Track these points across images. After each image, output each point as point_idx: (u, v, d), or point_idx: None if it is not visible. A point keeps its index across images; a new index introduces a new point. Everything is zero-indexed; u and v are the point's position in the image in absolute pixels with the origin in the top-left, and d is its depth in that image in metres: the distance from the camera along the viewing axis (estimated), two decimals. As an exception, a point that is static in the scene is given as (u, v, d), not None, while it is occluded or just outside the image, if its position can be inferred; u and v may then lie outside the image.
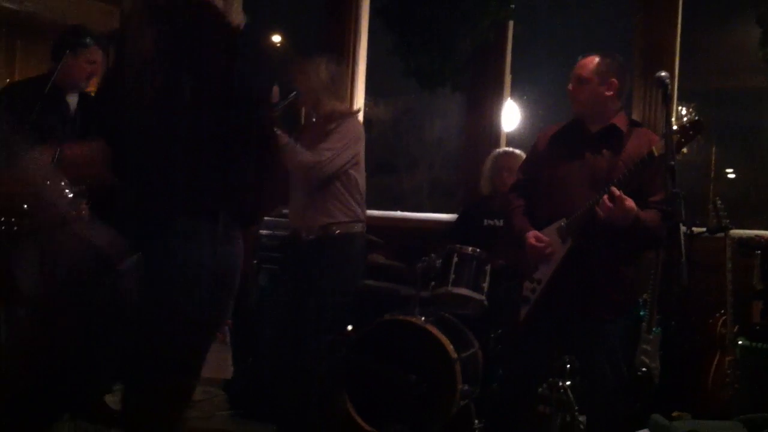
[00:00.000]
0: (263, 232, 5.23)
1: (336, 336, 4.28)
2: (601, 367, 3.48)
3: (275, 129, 4.03)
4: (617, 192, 3.25)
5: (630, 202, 3.25)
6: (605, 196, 3.27)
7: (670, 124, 3.29)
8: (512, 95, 6.26)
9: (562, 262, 3.50)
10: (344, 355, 4.66)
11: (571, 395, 3.59)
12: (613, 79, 3.53)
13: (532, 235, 3.56)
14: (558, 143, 3.66)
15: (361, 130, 4.34)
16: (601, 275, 3.48)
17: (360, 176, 4.30)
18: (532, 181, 3.74)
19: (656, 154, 3.25)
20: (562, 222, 3.50)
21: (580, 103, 3.58)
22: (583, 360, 3.32)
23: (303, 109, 4.49)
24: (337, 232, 4.18)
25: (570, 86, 3.59)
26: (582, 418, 3.20)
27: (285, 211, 4.58)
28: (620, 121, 3.56)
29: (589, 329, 3.50)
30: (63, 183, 3.29)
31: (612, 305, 3.51)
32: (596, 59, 3.52)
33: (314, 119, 4.37)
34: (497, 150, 5.26)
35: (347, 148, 4.17)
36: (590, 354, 3.42)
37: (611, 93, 3.53)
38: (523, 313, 3.65)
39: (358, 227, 4.27)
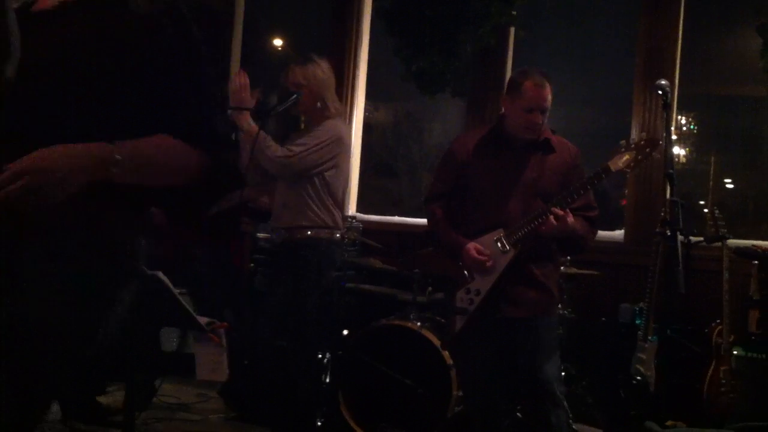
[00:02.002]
0: (260, 234, 5.22)
1: (313, 339, 4.24)
2: (543, 364, 3.55)
3: (246, 124, 3.98)
4: (560, 212, 3.36)
5: (571, 218, 3.39)
6: (551, 216, 3.38)
7: (669, 133, 3.33)
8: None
9: (503, 272, 3.54)
10: (340, 359, 4.67)
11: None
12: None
13: (473, 248, 3.56)
14: (483, 153, 3.68)
15: (342, 133, 4.24)
16: (535, 279, 3.58)
17: (337, 181, 4.20)
18: (453, 190, 3.74)
19: (613, 169, 3.38)
20: (501, 233, 3.54)
21: (539, 130, 3.60)
22: (526, 359, 3.53)
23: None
24: (299, 236, 4.11)
25: (538, 117, 3.53)
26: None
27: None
28: (548, 133, 3.65)
29: (526, 329, 3.57)
30: None
31: (545, 305, 3.61)
32: (549, 87, 3.54)
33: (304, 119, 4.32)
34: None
35: (321, 148, 4.08)
36: (533, 353, 3.55)
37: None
38: (458, 324, 3.67)
39: (325, 233, 4.15)
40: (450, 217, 3.71)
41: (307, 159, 4.05)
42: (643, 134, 3.41)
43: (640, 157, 3.34)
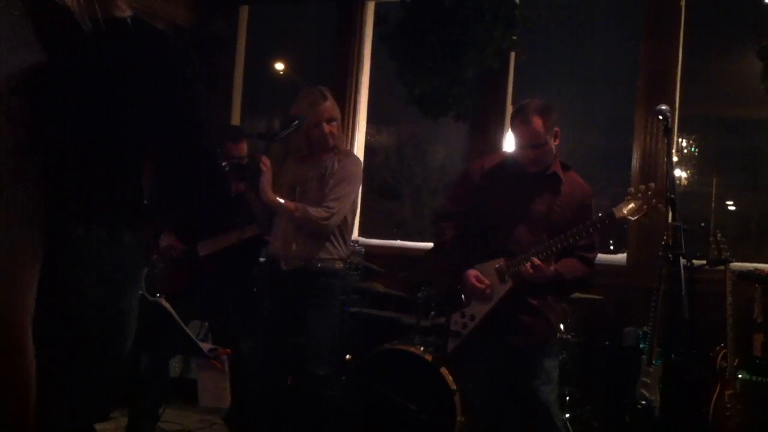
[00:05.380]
0: (263, 259, 5.20)
1: (325, 367, 4.21)
2: (541, 390, 3.54)
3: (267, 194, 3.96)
4: (538, 262, 3.43)
5: (550, 269, 3.47)
6: (528, 264, 3.44)
7: (670, 156, 3.33)
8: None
9: (499, 300, 3.57)
10: (344, 384, 4.65)
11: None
12: (556, 129, 3.62)
13: (473, 275, 3.61)
14: (495, 180, 3.71)
15: (361, 170, 4.31)
16: (534, 309, 3.59)
17: (351, 215, 4.27)
18: (465, 212, 3.77)
19: (617, 216, 3.42)
20: (501, 263, 3.57)
21: (541, 162, 3.63)
22: (524, 386, 3.54)
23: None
24: (318, 266, 4.09)
25: (528, 153, 3.58)
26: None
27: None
28: (557, 166, 3.66)
29: (524, 357, 3.57)
30: None
31: (543, 334, 3.61)
32: (540, 121, 3.53)
33: (313, 148, 4.24)
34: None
35: (352, 193, 4.16)
36: (530, 380, 3.55)
37: (557, 141, 3.64)
38: (451, 346, 3.72)
39: (339, 264, 4.18)
40: (459, 238, 3.72)
41: (342, 209, 4.10)
42: (651, 184, 3.41)
43: (645, 207, 3.35)
